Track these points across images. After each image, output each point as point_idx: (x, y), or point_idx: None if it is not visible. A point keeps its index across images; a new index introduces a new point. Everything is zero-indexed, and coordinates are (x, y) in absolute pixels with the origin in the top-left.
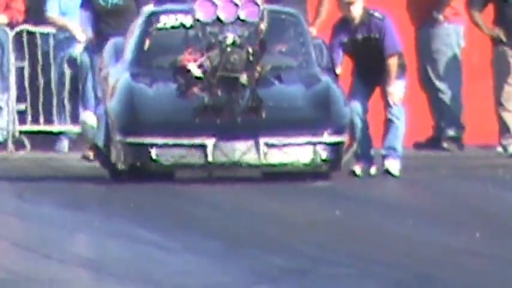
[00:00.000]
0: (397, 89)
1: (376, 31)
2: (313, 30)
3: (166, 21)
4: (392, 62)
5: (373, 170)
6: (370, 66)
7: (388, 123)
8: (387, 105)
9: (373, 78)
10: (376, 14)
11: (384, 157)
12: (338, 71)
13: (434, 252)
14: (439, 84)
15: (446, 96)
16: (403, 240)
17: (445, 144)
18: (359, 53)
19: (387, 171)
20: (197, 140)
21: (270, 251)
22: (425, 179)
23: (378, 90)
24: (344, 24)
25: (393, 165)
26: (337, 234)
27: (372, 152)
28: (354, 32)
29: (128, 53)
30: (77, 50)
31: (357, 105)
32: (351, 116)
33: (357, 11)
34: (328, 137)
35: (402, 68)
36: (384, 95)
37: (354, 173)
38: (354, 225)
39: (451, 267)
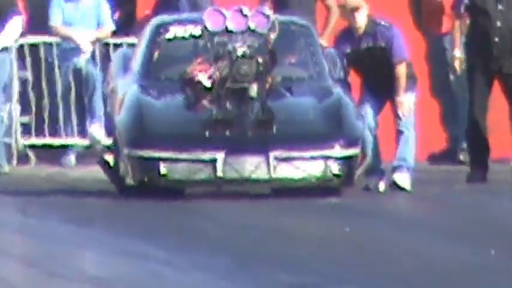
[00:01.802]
0: (407, 99)
1: (382, 40)
2: (323, 41)
3: (175, 31)
4: (401, 70)
5: (382, 186)
6: (377, 77)
7: (398, 134)
8: (396, 116)
9: (382, 90)
10: (383, 23)
11: (394, 169)
12: None
13: (448, 269)
14: (463, 93)
15: (466, 106)
16: (415, 257)
17: (461, 157)
18: (364, 63)
19: (395, 185)
20: (207, 155)
21: (279, 267)
22: (439, 194)
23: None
24: (348, 33)
25: (402, 178)
26: (348, 251)
27: (382, 166)
28: (358, 41)
29: (136, 65)
30: (82, 60)
31: (366, 118)
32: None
33: (361, 19)
34: (339, 151)
35: (413, 79)
36: (394, 107)
37: (366, 187)
38: (365, 241)
39: (465, 284)
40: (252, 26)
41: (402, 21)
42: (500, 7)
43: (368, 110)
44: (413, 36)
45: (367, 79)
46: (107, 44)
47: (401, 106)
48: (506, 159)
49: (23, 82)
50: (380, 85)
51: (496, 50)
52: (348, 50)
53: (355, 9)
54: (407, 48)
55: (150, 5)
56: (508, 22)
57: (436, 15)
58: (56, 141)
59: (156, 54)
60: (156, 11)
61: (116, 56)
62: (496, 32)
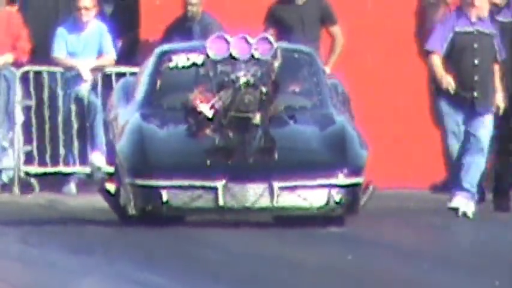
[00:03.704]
0: (502, 102)
1: (497, 30)
2: (327, 69)
3: (178, 60)
4: (498, 69)
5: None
6: (473, 70)
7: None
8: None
9: (470, 91)
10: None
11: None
12: (438, 60)
13: None
14: None
15: None
16: (416, 287)
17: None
18: (466, 49)
19: (464, 214)
20: (208, 183)
21: None
22: (442, 223)
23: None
24: (461, 14)
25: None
26: (349, 280)
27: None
28: (472, 22)
29: (138, 93)
30: (84, 89)
31: (451, 133)
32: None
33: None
34: (343, 179)
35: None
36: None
37: None
38: (367, 271)
39: None
40: (256, 54)
41: (405, 47)
42: (475, 45)
43: (452, 127)
44: (416, 63)
45: (460, 70)
46: (109, 74)
47: (501, 105)
48: None
49: (26, 110)
50: (471, 81)
51: (477, 89)
52: (458, 29)
53: None
54: None
55: (157, 32)
56: (484, 59)
57: None
58: (57, 169)
59: (158, 83)
60: (168, 37)
61: (118, 85)
62: (475, 70)
